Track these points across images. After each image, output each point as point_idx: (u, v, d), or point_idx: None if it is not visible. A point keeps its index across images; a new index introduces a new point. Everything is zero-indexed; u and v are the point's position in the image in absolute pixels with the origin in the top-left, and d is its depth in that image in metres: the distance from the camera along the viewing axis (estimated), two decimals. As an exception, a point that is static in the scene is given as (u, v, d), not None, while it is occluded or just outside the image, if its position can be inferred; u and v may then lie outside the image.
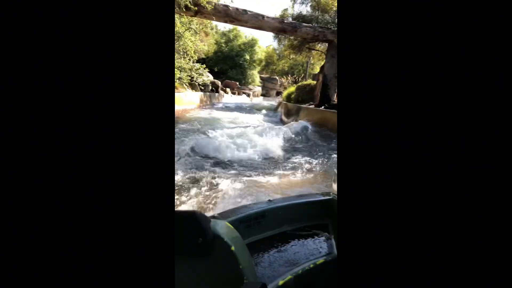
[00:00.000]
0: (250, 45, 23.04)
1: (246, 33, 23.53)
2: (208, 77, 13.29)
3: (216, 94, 14.84)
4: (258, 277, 0.72)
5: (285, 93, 16.34)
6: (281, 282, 0.74)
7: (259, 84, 23.88)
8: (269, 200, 1.11)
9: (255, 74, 23.47)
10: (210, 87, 13.92)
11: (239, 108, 13.02)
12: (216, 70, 21.39)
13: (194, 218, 0.59)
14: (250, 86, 22.63)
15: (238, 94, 19.70)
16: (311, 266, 0.82)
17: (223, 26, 22.21)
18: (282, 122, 8.88)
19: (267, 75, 26.49)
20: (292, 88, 11.52)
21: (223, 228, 0.63)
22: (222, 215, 0.97)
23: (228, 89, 18.46)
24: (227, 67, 21.93)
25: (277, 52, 18.16)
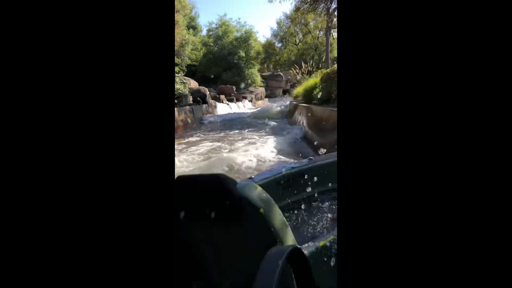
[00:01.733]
0: (244, 39, 18.97)
1: (237, 25, 19.54)
2: (184, 85, 9.20)
3: (204, 106, 10.72)
4: (296, 239, 0.69)
5: (298, 89, 12.02)
6: (322, 243, 0.73)
7: (261, 84, 19.73)
8: (310, 158, 1.09)
9: (255, 73, 19.32)
10: (190, 99, 9.82)
11: (236, 123, 8.93)
12: (212, 76, 17.48)
13: (219, 182, 0.59)
14: (251, 88, 18.51)
15: (237, 100, 15.63)
16: None
17: (207, 22, 18.27)
18: (311, 145, 4.76)
19: (269, 72, 22.41)
20: (312, 81, 7.38)
21: (250, 190, 0.62)
22: (258, 176, 0.94)
23: (222, 97, 14.38)
24: (221, 69, 17.89)
25: (278, 39, 14.08)
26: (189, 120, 8.90)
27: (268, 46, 15.94)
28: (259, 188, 0.65)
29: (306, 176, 1.00)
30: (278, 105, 15.26)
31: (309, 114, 5.45)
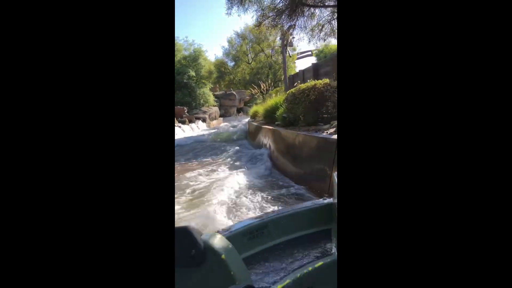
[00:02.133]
0: (193, 58, 18.25)
1: (185, 44, 18.78)
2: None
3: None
4: (257, 284, 0.84)
5: (256, 108, 11.59)
6: (279, 287, 0.77)
7: (215, 103, 19.06)
8: (272, 211, 1.25)
9: (207, 93, 18.59)
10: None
11: (194, 150, 8.04)
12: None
13: (186, 232, 0.65)
14: (204, 108, 17.72)
15: (190, 121, 14.67)
16: (310, 269, 0.84)
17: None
18: (284, 175, 4.16)
19: (221, 91, 21.90)
20: (273, 100, 6.94)
21: (214, 238, 0.69)
22: (225, 230, 1.00)
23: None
24: (169, 90, 16.85)
25: (230, 58, 13.66)
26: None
27: (220, 65, 15.40)
28: (223, 238, 0.73)
29: (268, 228, 1.05)
30: (235, 125, 14.67)
31: (277, 139, 4.89)
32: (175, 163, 6.37)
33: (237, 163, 5.49)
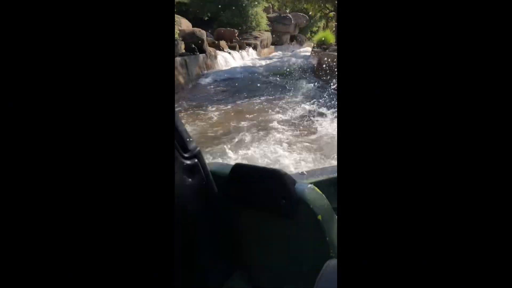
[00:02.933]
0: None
1: None
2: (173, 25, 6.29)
3: (201, 56, 7.80)
4: None
5: (324, 34, 9.13)
6: None
7: (267, 27, 16.30)
8: None
9: (260, 14, 15.76)
10: (183, 46, 6.95)
11: (251, 85, 6.28)
12: (206, 18, 13.89)
13: (278, 177, 0.59)
14: (256, 33, 15.19)
15: (241, 48, 12.58)
16: None
17: None
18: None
19: (274, 14, 18.68)
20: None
21: (310, 192, 0.61)
22: (311, 174, 0.89)
23: (223, 43, 11.31)
24: (217, 8, 14.25)
25: None
26: (181, 79, 6.17)
27: None
28: (319, 192, 0.64)
29: None
30: (293, 55, 12.22)
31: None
32: (227, 102, 4.82)
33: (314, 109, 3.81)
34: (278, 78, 6.81)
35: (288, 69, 7.77)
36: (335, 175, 0.88)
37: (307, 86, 5.68)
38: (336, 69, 5.99)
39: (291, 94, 5.14)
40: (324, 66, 6.41)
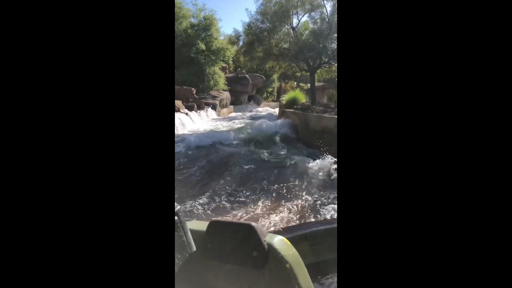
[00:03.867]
0: (203, 27, 14.37)
1: (194, 9, 14.87)
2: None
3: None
4: None
5: (295, 94, 8.20)
6: None
7: (225, 87, 15.33)
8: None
9: (217, 73, 14.82)
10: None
11: (227, 166, 4.47)
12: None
13: (250, 230, 0.60)
14: (214, 93, 13.98)
15: (199, 107, 10.99)
16: None
17: None
18: None
19: (231, 74, 18.12)
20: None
21: (279, 243, 0.63)
22: (285, 230, 0.95)
23: (178, 103, 9.57)
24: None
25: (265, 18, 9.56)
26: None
27: (250, 29, 11.01)
28: (288, 244, 0.66)
29: (334, 237, 0.89)
30: (254, 115, 11.01)
31: None
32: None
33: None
34: (265, 152, 5.11)
35: (265, 135, 6.35)
36: (310, 230, 0.93)
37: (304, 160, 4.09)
38: (325, 133, 5.09)
39: (296, 182, 3.41)
40: (310, 128, 5.35)
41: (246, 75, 17.80)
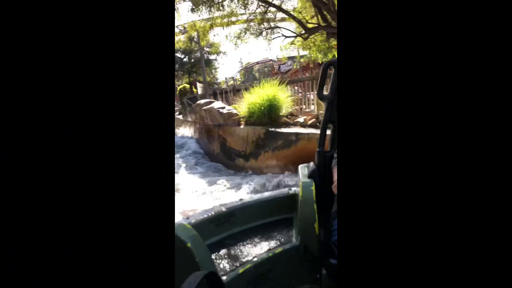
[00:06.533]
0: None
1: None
2: None
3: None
4: (221, 269, 0.89)
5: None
6: (241, 271, 0.87)
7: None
8: (240, 199, 1.22)
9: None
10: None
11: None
12: None
13: None
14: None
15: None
16: (270, 255, 0.94)
17: None
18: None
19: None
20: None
21: (179, 228, 0.79)
22: (194, 217, 1.06)
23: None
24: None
25: None
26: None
27: None
28: (188, 227, 0.82)
29: (235, 215, 1.12)
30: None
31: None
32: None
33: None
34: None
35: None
36: (212, 213, 1.05)
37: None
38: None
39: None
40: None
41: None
